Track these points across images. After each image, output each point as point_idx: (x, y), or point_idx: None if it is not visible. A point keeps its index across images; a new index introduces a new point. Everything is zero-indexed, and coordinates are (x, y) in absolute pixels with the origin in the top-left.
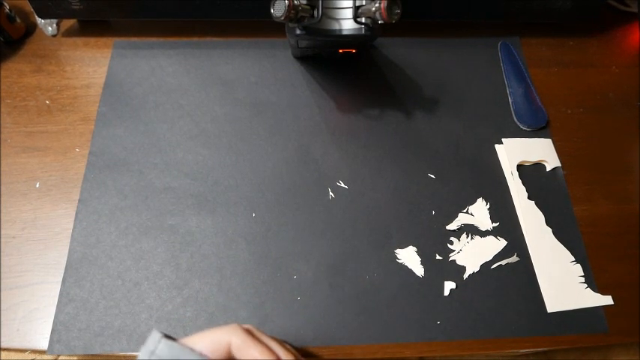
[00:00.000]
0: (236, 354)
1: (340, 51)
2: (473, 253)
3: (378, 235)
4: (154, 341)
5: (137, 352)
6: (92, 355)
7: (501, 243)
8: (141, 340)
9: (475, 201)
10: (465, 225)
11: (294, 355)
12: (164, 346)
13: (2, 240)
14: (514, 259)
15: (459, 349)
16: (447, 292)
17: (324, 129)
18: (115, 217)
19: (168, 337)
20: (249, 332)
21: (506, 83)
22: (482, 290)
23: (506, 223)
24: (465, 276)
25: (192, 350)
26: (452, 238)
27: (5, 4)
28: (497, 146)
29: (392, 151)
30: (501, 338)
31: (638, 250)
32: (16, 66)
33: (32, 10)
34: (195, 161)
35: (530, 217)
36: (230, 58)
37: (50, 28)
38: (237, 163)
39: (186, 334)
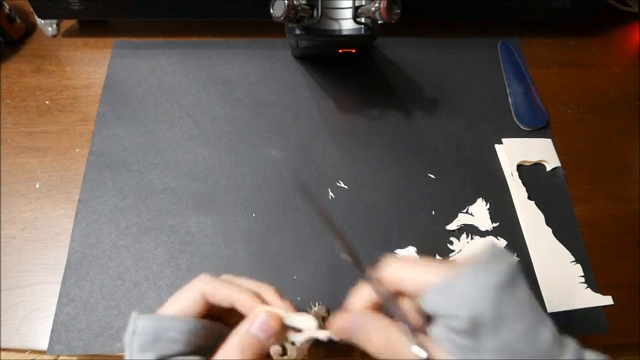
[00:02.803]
0: (212, 300)
1: (340, 51)
2: (473, 253)
3: (378, 235)
4: (133, 321)
5: None
6: (92, 355)
7: (501, 243)
8: None
9: (475, 201)
10: (465, 225)
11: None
12: (143, 322)
13: (2, 240)
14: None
15: None
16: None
17: (324, 129)
18: (115, 217)
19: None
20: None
21: (506, 83)
22: None
23: (506, 223)
24: None
25: (170, 317)
26: (452, 238)
27: (5, 4)
28: (497, 146)
29: (392, 151)
30: None
31: (638, 250)
32: (16, 66)
33: (32, 10)
34: (195, 161)
35: (530, 217)
36: (230, 58)
37: (50, 29)
38: (237, 163)
39: None
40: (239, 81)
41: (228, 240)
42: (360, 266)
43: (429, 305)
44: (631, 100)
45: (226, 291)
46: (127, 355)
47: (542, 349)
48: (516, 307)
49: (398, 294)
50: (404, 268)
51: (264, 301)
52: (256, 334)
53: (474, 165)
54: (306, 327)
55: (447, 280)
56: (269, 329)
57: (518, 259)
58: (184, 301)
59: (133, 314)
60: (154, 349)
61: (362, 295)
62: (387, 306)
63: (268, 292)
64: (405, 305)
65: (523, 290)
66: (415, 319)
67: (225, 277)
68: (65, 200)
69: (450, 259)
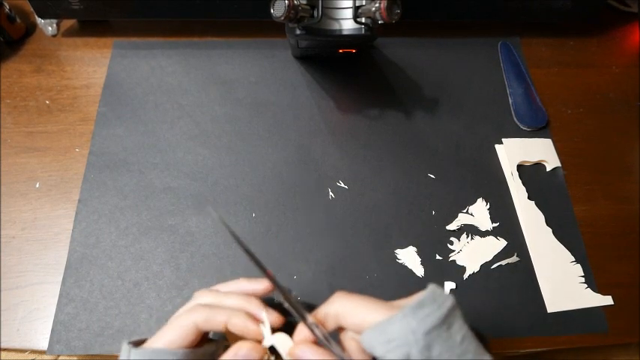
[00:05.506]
0: (205, 328)
1: (340, 51)
2: (473, 253)
3: (378, 235)
4: (125, 351)
5: None
6: (92, 355)
7: (501, 243)
8: None
9: (475, 201)
10: (465, 225)
11: (259, 304)
12: (135, 355)
13: (2, 240)
14: (514, 259)
15: None
16: (447, 293)
17: (324, 129)
18: (115, 217)
19: (139, 342)
20: (208, 304)
21: (506, 83)
22: (482, 290)
23: (506, 223)
24: (465, 276)
25: (162, 351)
26: (452, 238)
27: (5, 4)
28: (497, 146)
29: (392, 151)
30: (501, 338)
31: (638, 250)
32: (16, 66)
33: (32, 10)
34: (195, 161)
35: (530, 217)
36: (230, 58)
37: (50, 28)
38: (237, 163)
39: None
40: (239, 81)
41: (228, 240)
42: (299, 311)
43: (366, 345)
44: (631, 100)
45: (221, 317)
46: None
47: None
48: (447, 350)
49: (340, 330)
50: (346, 306)
51: (254, 317)
52: None
53: (474, 165)
54: (283, 346)
55: (380, 322)
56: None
57: (518, 258)
58: (178, 332)
59: (125, 346)
60: None
61: (302, 335)
62: (326, 347)
63: (255, 305)
64: (351, 344)
65: (457, 332)
66: (362, 356)
67: (218, 286)
68: (65, 200)
69: (396, 302)
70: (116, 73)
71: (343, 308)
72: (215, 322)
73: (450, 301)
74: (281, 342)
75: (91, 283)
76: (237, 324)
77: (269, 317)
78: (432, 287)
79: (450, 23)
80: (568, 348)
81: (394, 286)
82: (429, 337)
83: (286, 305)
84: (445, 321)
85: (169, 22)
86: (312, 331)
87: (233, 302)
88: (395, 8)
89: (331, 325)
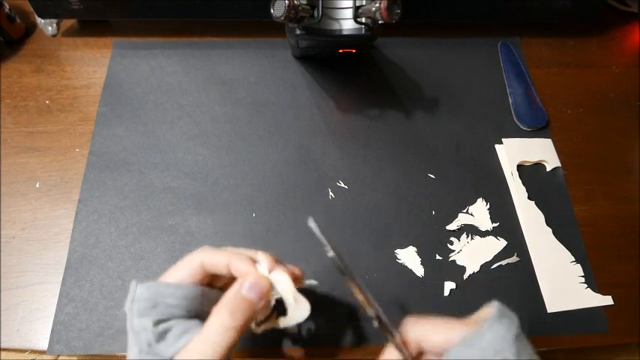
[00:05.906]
0: (210, 269)
1: (340, 51)
2: (473, 253)
3: (378, 235)
4: (132, 289)
5: None
6: (92, 355)
7: (501, 243)
8: None
9: (475, 201)
10: (465, 225)
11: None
12: (141, 290)
13: (2, 240)
14: (514, 259)
15: None
16: (447, 292)
17: (324, 129)
18: (115, 217)
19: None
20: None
21: (506, 83)
22: (482, 290)
23: (506, 223)
24: (465, 276)
25: (168, 284)
26: (452, 238)
27: (5, 4)
28: (497, 146)
29: (392, 151)
30: None
31: (638, 250)
32: (16, 66)
33: (32, 10)
34: (195, 161)
35: (530, 217)
36: (230, 58)
37: (50, 28)
38: (237, 163)
39: None
40: (239, 81)
41: (228, 240)
42: (389, 330)
43: (456, 357)
44: (631, 100)
45: (224, 258)
46: (127, 321)
47: None
48: (530, 355)
49: (420, 354)
50: (425, 329)
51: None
52: (246, 295)
53: (474, 165)
54: (281, 283)
55: (467, 337)
56: (259, 290)
57: (518, 258)
58: (184, 271)
59: (133, 283)
60: (151, 314)
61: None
62: None
63: (256, 253)
64: None
65: (527, 341)
66: None
67: (227, 248)
68: (65, 200)
69: (468, 318)
70: (116, 73)
71: (423, 331)
72: (219, 262)
73: (515, 315)
74: (278, 279)
75: (91, 283)
76: (238, 266)
77: (283, 270)
78: (496, 303)
79: (450, 23)
80: (568, 348)
81: (394, 286)
82: (516, 344)
83: (375, 324)
84: (520, 331)
85: (169, 22)
86: (400, 351)
87: (239, 251)
88: (395, 8)
89: (412, 352)
